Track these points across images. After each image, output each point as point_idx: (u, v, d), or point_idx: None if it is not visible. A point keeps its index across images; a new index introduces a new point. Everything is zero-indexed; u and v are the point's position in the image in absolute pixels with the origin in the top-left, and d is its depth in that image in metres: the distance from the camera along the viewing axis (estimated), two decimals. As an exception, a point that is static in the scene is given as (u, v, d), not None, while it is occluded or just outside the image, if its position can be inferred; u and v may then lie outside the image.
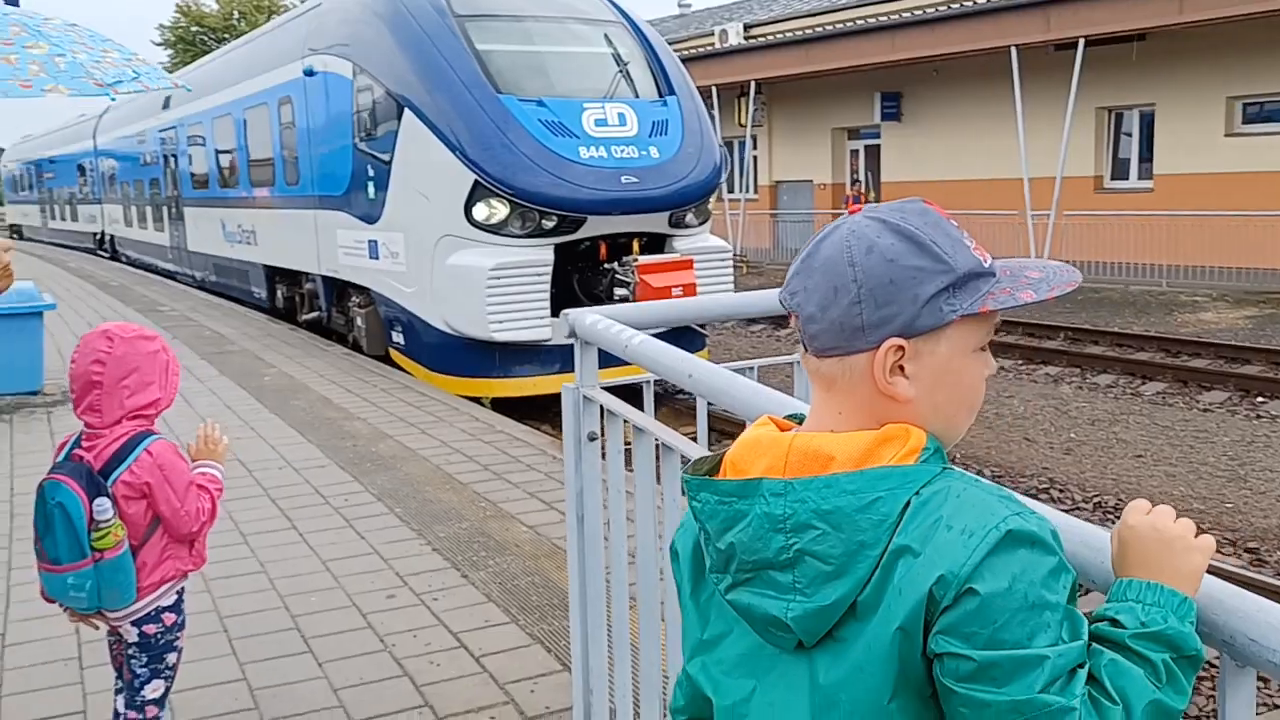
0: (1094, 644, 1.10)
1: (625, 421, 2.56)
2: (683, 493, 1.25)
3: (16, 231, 42.11)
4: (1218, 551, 7.03)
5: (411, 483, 6.06)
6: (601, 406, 2.67)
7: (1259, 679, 1.18)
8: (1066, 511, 6.67)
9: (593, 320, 2.61)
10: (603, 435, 2.70)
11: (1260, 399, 10.79)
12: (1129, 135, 21.09)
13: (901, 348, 1.14)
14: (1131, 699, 1.05)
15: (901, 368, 1.15)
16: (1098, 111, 20.73)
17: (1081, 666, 1.05)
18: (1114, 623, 1.11)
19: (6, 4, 8.34)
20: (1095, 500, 8.04)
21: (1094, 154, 21.10)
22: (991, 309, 1.19)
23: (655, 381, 2.68)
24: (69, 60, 4.68)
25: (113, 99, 5.39)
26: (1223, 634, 1.20)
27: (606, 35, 10.67)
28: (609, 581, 2.72)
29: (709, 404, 2.46)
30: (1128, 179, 21.08)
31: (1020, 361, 13.20)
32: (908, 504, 1.07)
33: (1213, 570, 1.18)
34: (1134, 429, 10.05)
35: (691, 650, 1.27)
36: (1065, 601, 1.06)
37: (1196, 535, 1.18)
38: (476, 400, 8.97)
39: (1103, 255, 18.83)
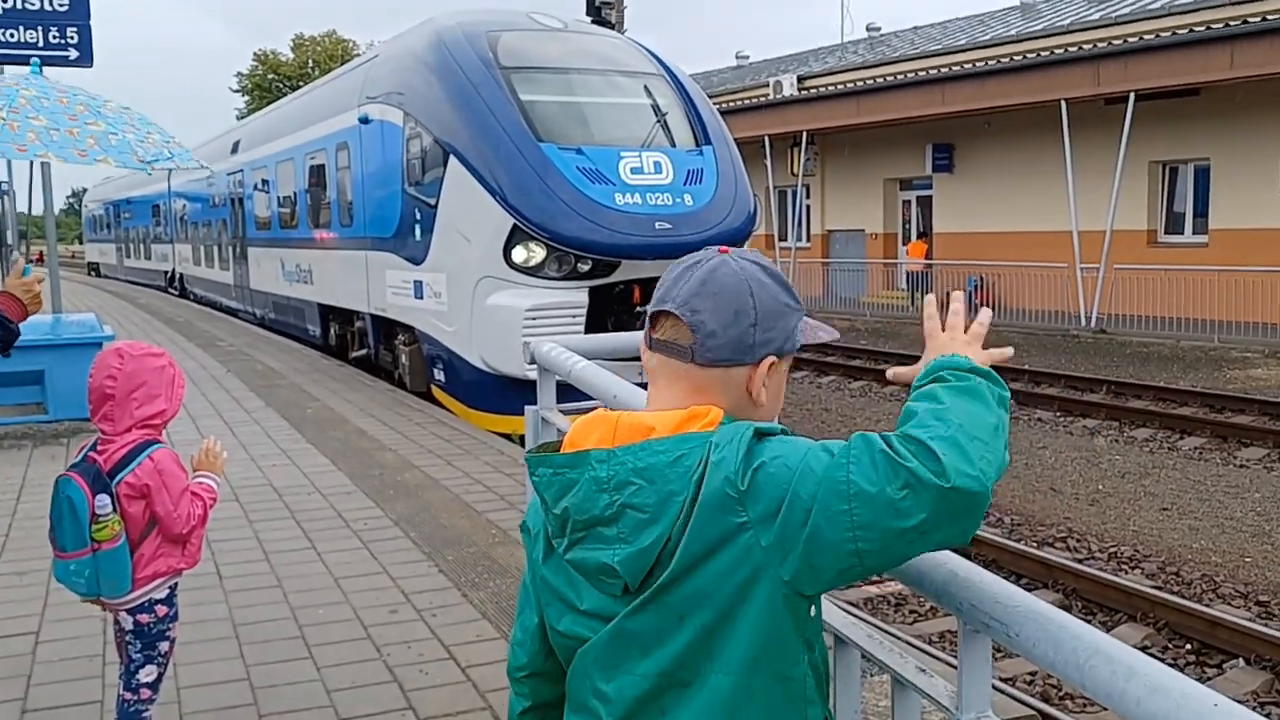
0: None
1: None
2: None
3: (94, 269, 43.79)
4: (1227, 602, 7.04)
5: (429, 509, 6.36)
6: (526, 457, 2.95)
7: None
8: (1080, 561, 6.77)
9: (548, 349, 2.89)
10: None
11: (1298, 456, 10.69)
12: (1186, 189, 21.00)
13: (773, 363, 1.45)
14: (930, 393, 1.35)
15: (765, 380, 1.46)
16: (1151, 165, 20.67)
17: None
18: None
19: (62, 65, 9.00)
20: (1111, 551, 8.06)
21: (1147, 208, 21.00)
22: (808, 343, 1.51)
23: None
24: (120, 139, 5.48)
25: (149, 174, 6.19)
26: (956, 601, 1.43)
27: (646, 87, 11.04)
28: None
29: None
30: (1182, 233, 20.93)
31: (1058, 414, 13.20)
32: (705, 456, 1.33)
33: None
34: (1164, 483, 10.02)
35: (558, 613, 1.47)
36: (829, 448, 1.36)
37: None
38: (508, 437, 9.27)
39: (1153, 310, 18.68)
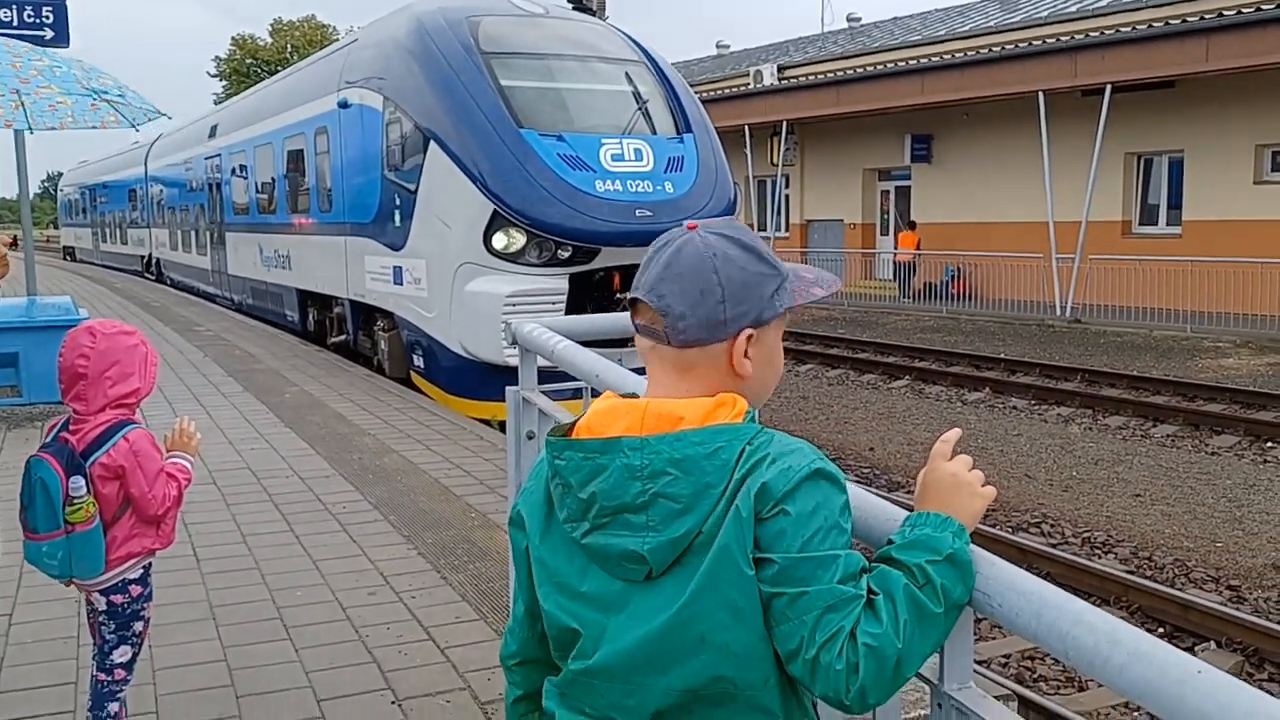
0: (871, 563, 1.36)
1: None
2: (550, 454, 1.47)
3: (70, 253, 43.36)
4: (1199, 586, 7.13)
5: (409, 493, 6.34)
6: (548, 440, 2.94)
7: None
8: (1054, 546, 6.84)
9: (530, 329, 2.88)
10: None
11: (1269, 444, 10.81)
12: (1160, 180, 21.16)
13: (751, 335, 1.43)
14: (892, 590, 1.30)
15: (746, 352, 1.44)
16: (1126, 157, 20.83)
17: (864, 571, 1.33)
18: (890, 543, 1.38)
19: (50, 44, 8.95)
20: (1085, 535, 8.14)
21: (1122, 199, 21.16)
22: (801, 303, 1.49)
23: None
24: (64, 71, 5.44)
25: (93, 100, 6.10)
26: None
27: (627, 74, 11.00)
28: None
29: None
30: (1156, 224, 21.12)
31: (1033, 401, 13.29)
32: (742, 450, 1.34)
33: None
34: (1137, 469, 10.12)
35: (546, 594, 1.47)
36: (849, 527, 1.35)
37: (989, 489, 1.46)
38: (486, 422, 9.25)
39: (1127, 300, 18.85)
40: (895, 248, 25.00)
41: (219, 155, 18.55)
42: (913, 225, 24.66)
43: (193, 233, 21.46)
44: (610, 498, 1.35)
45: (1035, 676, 5.78)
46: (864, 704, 1.29)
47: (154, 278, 26.74)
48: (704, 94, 23.35)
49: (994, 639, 6.15)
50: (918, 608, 1.29)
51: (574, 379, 2.77)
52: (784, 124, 25.98)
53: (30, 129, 7.05)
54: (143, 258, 28.09)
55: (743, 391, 1.44)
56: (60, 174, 53.85)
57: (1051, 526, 8.37)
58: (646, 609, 1.36)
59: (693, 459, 1.32)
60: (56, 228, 58.36)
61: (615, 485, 1.35)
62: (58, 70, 5.54)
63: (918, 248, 23.86)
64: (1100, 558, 7.65)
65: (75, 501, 2.77)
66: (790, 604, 1.28)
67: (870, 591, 1.31)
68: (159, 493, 2.89)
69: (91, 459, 2.83)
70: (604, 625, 1.39)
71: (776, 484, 1.29)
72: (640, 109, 10.68)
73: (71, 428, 2.90)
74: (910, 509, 1.46)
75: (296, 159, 14.34)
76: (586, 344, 2.86)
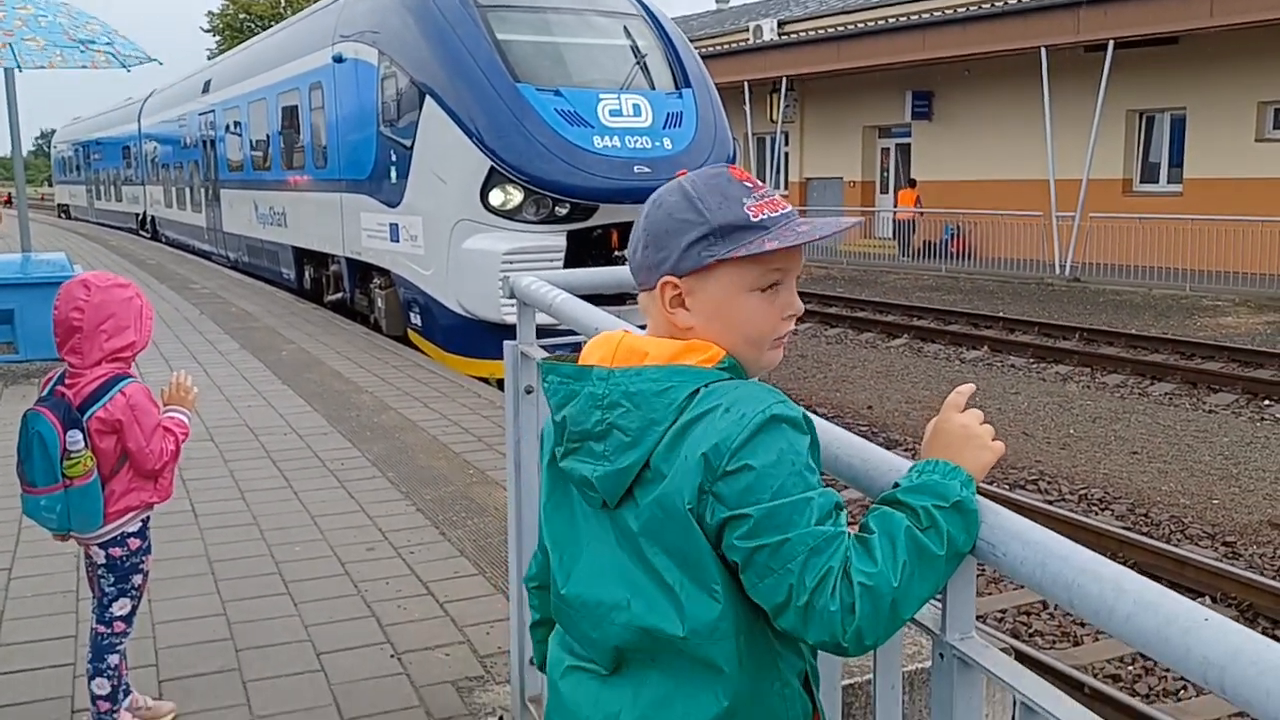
0: (874, 505, 1.35)
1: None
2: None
3: (64, 211, 43.12)
4: (1194, 542, 7.16)
5: (406, 450, 6.34)
6: (538, 363, 2.91)
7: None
8: (1051, 503, 6.83)
9: (528, 282, 2.85)
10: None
11: (1267, 402, 10.83)
12: (1162, 138, 21.01)
13: (675, 285, 1.42)
14: (893, 531, 1.28)
15: (683, 301, 1.42)
16: (1128, 114, 20.67)
17: (839, 508, 1.31)
18: (895, 486, 1.36)
19: None
20: (1081, 493, 8.17)
21: (1123, 157, 21.03)
22: (741, 255, 1.39)
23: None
24: (50, 20, 5.31)
25: (82, 52, 5.97)
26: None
27: (625, 28, 10.87)
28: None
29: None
30: (1157, 182, 21.01)
31: (1031, 360, 13.29)
32: (695, 392, 1.34)
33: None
34: (1134, 427, 10.14)
35: (545, 515, 1.54)
36: (818, 466, 1.34)
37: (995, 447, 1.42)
38: (484, 380, 9.23)
39: (1127, 258, 18.79)
40: (895, 206, 24.86)
41: (213, 111, 18.37)
42: (913, 183, 24.51)
43: (187, 190, 21.31)
44: (576, 423, 1.40)
45: (1031, 632, 5.82)
46: (861, 646, 1.28)
47: (149, 236, 26.61)
48: (703, 49, 23.07)
49: (990, 594, 6.18)
50: (919, 550, 1.28)
51: (574, 333, 2.74)
52: (784, 80, 25.74)
53: (19, 66, 6.94)
54: (137, 215, 27.93)
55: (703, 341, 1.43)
56: (54, 131, 53.37)
57: (1049, 484, 8.40)
58: (605, 540, 1.41)
59: (643, 394, 1.35)
60: (51, 186, 57.95)
61: (581, 412, 1.39)
62: (43, 20, 5.44)
63: (917, 205, 23.73)
64: (1097, 514, 7.68)
65: (73, 455, 2.75)
66: (773, 554, 1.27)
67: (866, 530, 1.30)
68: (156, 447, 2.88)
69: (88, 413, 2.81)
70: (576, 552, 1.45)
71: (730, 435, 1.28)
72: (639, 64, 10.56)
73: (68, 381, 2.88)
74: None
75: (291, 115, 14.20)
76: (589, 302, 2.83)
